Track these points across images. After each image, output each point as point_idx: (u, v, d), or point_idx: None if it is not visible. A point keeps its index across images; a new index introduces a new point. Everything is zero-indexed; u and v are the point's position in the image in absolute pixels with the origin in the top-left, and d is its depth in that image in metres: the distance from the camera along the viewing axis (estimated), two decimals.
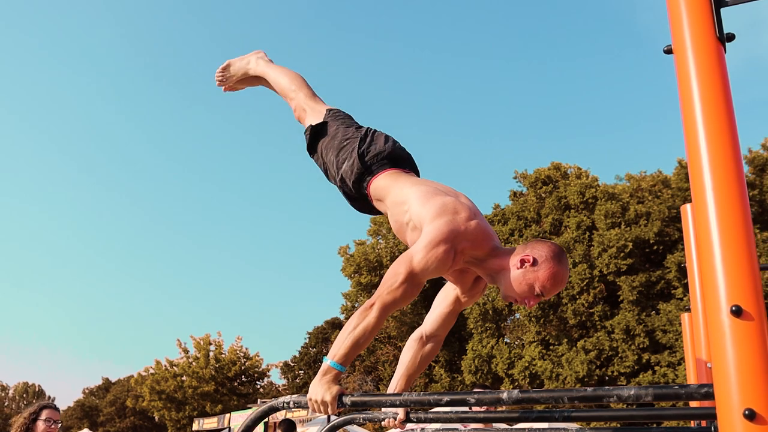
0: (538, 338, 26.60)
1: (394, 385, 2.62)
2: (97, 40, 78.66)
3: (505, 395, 1.81)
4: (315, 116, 2.84)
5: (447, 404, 1.88)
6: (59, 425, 4.20)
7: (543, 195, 29.27)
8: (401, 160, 2.65)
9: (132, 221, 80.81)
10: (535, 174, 30.03)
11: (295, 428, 5.70)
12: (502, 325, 28.73)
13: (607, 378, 24.37)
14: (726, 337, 1.32)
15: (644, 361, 24.16)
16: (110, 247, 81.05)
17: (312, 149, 2.84)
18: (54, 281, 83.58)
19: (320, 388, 2.05)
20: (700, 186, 1.42)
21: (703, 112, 1.47)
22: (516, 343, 28.20)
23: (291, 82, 2.97)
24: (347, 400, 2.00)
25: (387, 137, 2.68)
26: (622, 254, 24.96)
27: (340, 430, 2.73)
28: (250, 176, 74.20)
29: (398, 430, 2.63)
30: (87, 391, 63.58)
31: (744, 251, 1.35)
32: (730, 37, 1.55)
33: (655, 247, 25.41)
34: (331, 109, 2.84)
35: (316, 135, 2.80)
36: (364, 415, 2.63)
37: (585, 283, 25.50)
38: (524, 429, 3.31)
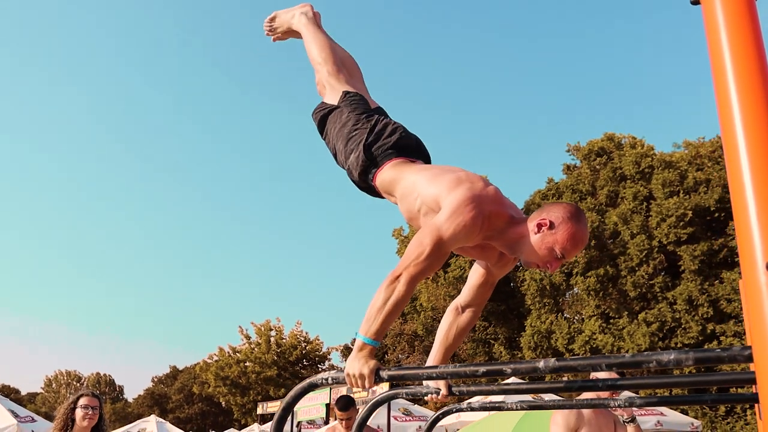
0: (598, 312, 26.24)
1: (432, 358, 2.60)
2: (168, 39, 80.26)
3: (542, 364, 1.78)
4: (331, 96, 2.81)
5: (483, 375, 1.86)
6: (97, 411, 4.31)
7: (597, 167, 28.74)
8: (407, 149, 2.60)
9: (193, 212, 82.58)
10: (588, 146, 29.50)
11: (353, 404, 5.72)
12: (561, 300, 28.43)
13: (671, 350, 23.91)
14: (763, 295, 1.27)
15: (709, 331, 23.61)
16: (172, 238, 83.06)
17: (321, 131, 2.84)
18: (121, 273, 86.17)
19: (357, 363, 2.06)
20: (733, 140, 1.36)
21: (733, 65, 1.41)
22: (575, 317, 27.87)
23: (319, 53, 2.91)
24: (384, 374, 2.00)
25: (395, 127, 2.63)
26: (681, 223, 24.36)
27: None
28: (304, 161, 74.87)
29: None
30: (156, 379, 65.42)
31: None
32: None
33: (717, 215, 24.71)
34: (347, 92, 2.78)
35: (324, 119, 2.78)
36: (406, 390, 2.63)
37: (644, 254, 25.00)
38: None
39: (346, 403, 5.63)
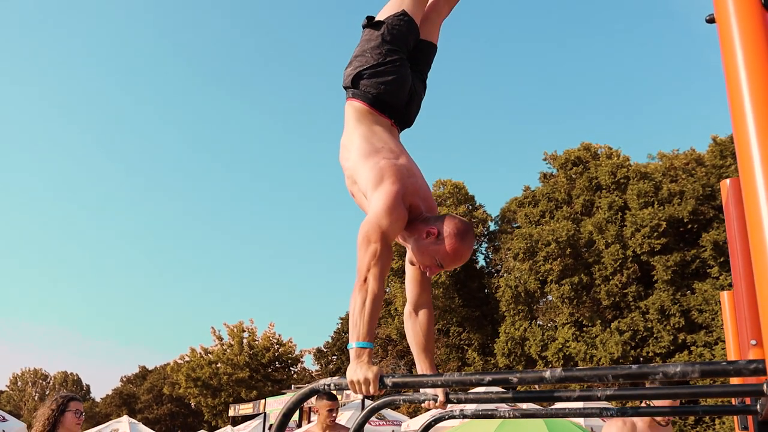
0: (572, 320, 26.44)
1: (420, 366, 2.63)
2: (133, 39, 79.49)
3: (548, 374, 1.78)
4: (392, 6, 2.82)
5: (489, 384, 1.87)
6: (83, 416, 4.24)
7: (573, 176, 28.99)
8: (384, 105, 2.67)
9: (167, 212, 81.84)
10: (565, 155, 29.73)
11: (335, 398, 5.77)
12: (535, 307, 28.61)
13: (641, 359, 24.16)
14: None
15: (680, 341, 23.90)
16: (145, 238, 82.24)
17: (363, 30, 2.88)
18: (91, 271, 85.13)
19: (360, 369, 2.04)
20: (748, 157, 1.38)
21: (749, 82, 1.43)
22: (549, 325, 28.06)
23: None
24: (388, 381, 1.99)
25: (393, 79, 2.66)
26: (655, 234, 24.65)
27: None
28: (280, 166, 74.60)
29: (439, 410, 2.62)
30: (125, 378, 64.65)
31: None
32: None
33: (690, 226, 25.05)
34: (400, 15, 2.78)
35: (367, 26, 2.82)
36: (403, 397, 2.63)
37: (618, 263, 25.25)
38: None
39: (329, 393, 5.68)
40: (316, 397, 5.73)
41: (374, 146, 2.54)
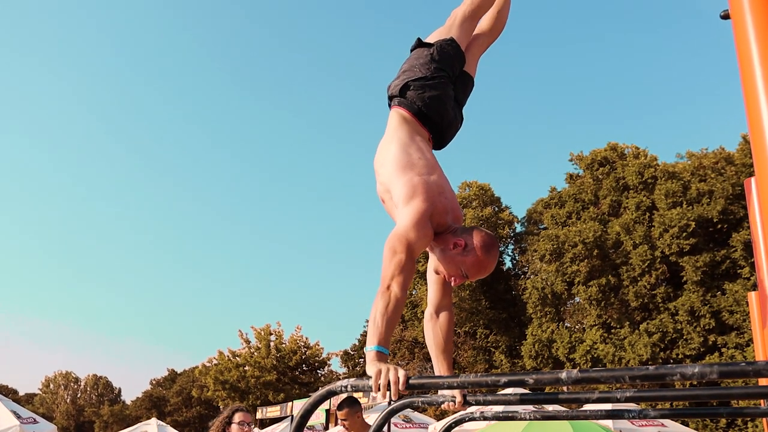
0: (599, 322, 26.19)
1: (438, 367, 2.68)
2: (171, 40, 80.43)
3: (564, 375, 1.77)
4: (443, 32, 2.96)
5: (505, 385, 1.86)
6: (252, 427, 4.13)
7: (600, 176, 28.74)
8: (425, 117, 2.76)
9: (195, 216, 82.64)
10: (591, 155, 29.51)
11: (348, 404, 5.62)
12: (562, 309, 28.39)
13: (671, 361, 23.86)
14: None
15: (710, 343, 23.56)
16: (174, 242, 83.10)
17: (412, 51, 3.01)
18: (122, 275, 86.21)
19: (383, 367, 2.03)
20: (763, 156, 1.36)
21: (764, 78, 1.42)
22: (576, 327, 27.83)
23: None
24: (411, 382, 1.98)
25: (439, 95, 2.77)
26: (684, 234, 24.34)
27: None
28: (307, 168, 74.95)
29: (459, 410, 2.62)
30: (154, 381, 65.27)
31: None
32: None
33: (720, 226, 24.69)
34: (449, 41, 2.90)
35: (418, 46, 2.95)
36: (422, 399, 2.63)
37: (646, 264, 24.97)
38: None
39: (340, 403, 5.52)
40: (338, 405, 5.65)
41: (410, 158, 2.61)
